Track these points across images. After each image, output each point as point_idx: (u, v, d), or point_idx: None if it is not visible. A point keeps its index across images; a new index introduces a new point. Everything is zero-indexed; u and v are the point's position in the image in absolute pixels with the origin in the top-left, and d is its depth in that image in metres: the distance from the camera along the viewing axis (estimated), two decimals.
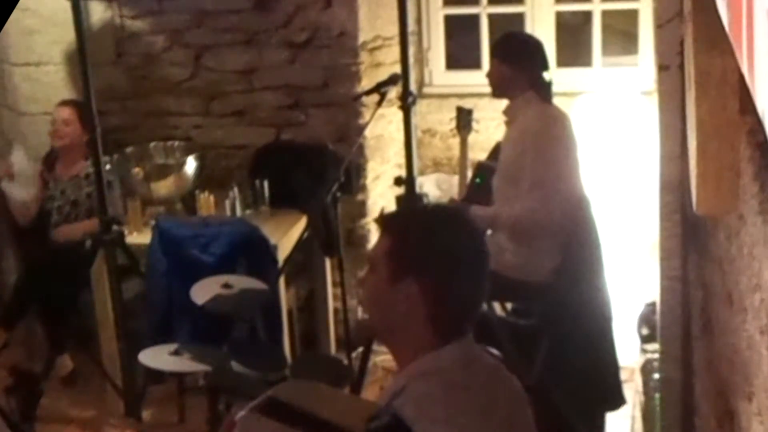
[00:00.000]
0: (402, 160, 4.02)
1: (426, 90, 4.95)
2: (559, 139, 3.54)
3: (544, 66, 3.60)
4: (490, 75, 3.66)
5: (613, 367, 3.57)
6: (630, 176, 4.29)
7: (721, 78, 1.66)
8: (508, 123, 3.66)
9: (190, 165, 4.50)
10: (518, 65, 3.55)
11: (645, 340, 3.82)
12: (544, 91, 3.56)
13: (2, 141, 4.96)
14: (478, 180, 3.83)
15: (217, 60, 4.76)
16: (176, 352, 3.00)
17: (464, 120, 4.14)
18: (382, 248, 1.79)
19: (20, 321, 4.35)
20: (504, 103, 3.68)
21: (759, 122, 0.97)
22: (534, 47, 3.64)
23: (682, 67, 2.73)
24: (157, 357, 3.02)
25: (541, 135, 3.50)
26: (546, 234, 3.50)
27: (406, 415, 1.64)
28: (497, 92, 3.66)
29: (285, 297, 4.17)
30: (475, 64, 4.91)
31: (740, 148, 1.70)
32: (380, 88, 3.76)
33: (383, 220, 2.27)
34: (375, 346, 3.71)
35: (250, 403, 2.09)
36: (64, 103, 4.47)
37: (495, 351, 1.94)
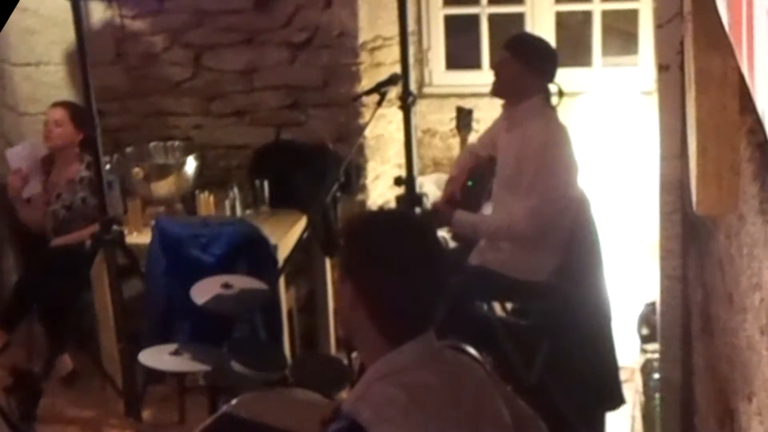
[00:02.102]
0: (402, 160, 4.02)
1: (426, 90, 4.94)
2: (564, 149, 3.49)
3: (553, 76, 3.53)
4: (499, 69, 3.54)
5: (613, 367, 3.57)
6: (630, 176, 4.29)
7: (721, 78, 1.66)
8: (509, 127, 3.61)
9: (190, 165, 4.51)
10: (535, 68, 3.46)
11: (645, 340, 3.82)
12: (549, 99, 3.51)
13: (2, 141, 4.97)
14: (470, 183, 3.81)
15: (217, 60, 4.76)
16: (176, 352, 3.00)
17: (464, 120, 4.14)
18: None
19: (20, 321, 4.35)
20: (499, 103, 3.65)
21: (759, 122, 0.97)
22: (553, 55, 3.56)
23: (682, 67, 2.73)
24: (157, 357, 3.03)
25: (548, 146, 3.42)
26: (545, 235, 3.49)
27: (363, 419, 1.65)
28: (503, 88, 3.55)
29: (285, 297, 4.17)
30: (475, 64, 4.91)
31: (740, 148, 1.70)
32: (380, 88, 3.76)
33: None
34: None
35: (203, 423, 2.10)
36: (56, 104, 4.47)
37: (471, 348, 1.93)
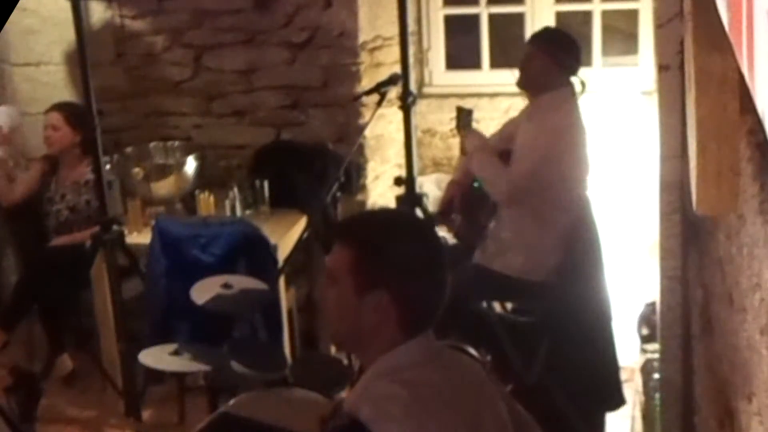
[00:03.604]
0: (402, 160, 4.02)
1: (426, 90, 4.95)
2: (576, 139, 3.52)
3: (577, 70, 3.56)
4: (524, 63, 3.56)
5: (613, 367, 3.57)
6: (630, 176, 4.29)
7: (721, 78, 1.66)
8: (530, 117, 3.59)
9: (190, 165, 4.51)
10: (558, 61, 3.50)
11: (645, 340, 3.82)
12: (574, 93, 3.54)
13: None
14: (476, 185, 3.81)
15: (217, 60, 4.76)
16: (176, 352, 2.99)
17: (464, 120, 4.13)
18: (342, 260, 1.76)
19: (20, 321, 4.35)
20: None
21: (759, 122, 0.97)
22: (576, 48, 3.58)
23: (682, 67, 2.73)
24: (157, 357, 3.02)
25: (568, 138, 3.48)
26: (547, 233, 3.50)
27: (363, 416, 1.64)
28: (527, 81, 3.57)
29: (285, 297, 4.17)
30: (475, 64, 4.91)
31: (740, 148, 1.70)
32: (380, 88, 3.76)
33: (336, 229, 2.21)
34: None
35: (202, 422, 2.09)
36: (52, 108, 4.46)
37: (471, 348, 1.93)
